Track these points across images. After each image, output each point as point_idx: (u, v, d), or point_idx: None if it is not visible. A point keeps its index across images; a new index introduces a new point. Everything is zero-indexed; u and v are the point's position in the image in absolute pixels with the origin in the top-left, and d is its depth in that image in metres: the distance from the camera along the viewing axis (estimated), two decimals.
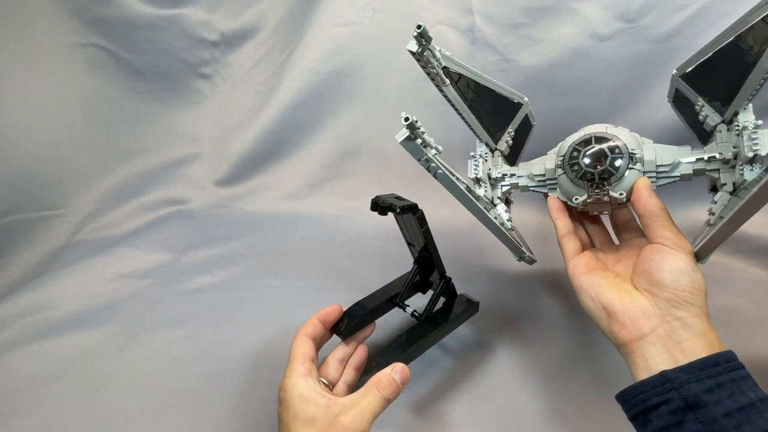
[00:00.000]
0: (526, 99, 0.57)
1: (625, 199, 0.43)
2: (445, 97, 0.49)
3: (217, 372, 0.56)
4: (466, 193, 0.45)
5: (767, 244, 0.68)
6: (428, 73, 0.46)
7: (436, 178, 0.42)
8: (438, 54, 0.45)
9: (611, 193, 0.43)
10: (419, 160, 0.40)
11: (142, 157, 0.99)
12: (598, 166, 0.43)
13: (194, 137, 1.02)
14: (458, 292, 0.56)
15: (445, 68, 0.47)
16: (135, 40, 0.95)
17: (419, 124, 0.38)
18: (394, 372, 0.40)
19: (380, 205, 0.44)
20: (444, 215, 0.90)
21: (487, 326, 0.60)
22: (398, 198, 0.46)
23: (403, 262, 0.67)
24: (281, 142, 0.99)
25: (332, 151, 0.98)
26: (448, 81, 0.48)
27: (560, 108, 0.81)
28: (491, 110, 0.54)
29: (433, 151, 0.41)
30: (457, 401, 0.50)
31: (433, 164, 0.41)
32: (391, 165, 0.95)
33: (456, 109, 0.51)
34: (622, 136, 0.44)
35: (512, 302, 0.65)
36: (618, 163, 0.43)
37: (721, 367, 0.32)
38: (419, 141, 0.38)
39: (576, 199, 0.45)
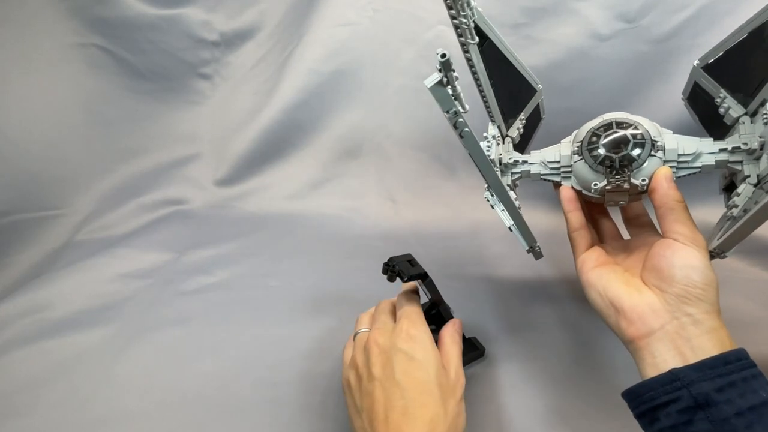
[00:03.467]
0: (540, 86, 0.55)
1: (646, 187, 0.41)
2: (468, 59, 0.45)
3: (217, 372, 0.56)
4: (489, 161, 0.42)
5: (767, 244, 0.68)
6: (457, 25, 0.41)
7: (461, 137, 0.39)
8: (474, 3, 0.42)
9: (632, 180, 0.41)
10: (447, 112, 0.36)
11: (142, 157, 0.99)
12: (619, 152, 0.42)
13: (194, 137, 1.02)
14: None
15: (475, 27, 0.44)
16: (135, 40, 0.95)
17: (455, 68, 0.34)
18: (455, 327, 0.47)
19: (390, 271, 0.47)
20: (444, 215, 0.90)
21: (487, 328, 0.60)
22: (411, 263, 0.48)
23: None
24: (281, 142, 0.99)
25: (332, 151, 0.98)
26: (477, 39, 0.44)
27: (560, 108, 0.81)
28: (508, 90, 0.52)
29: (461, 108, 0.37)
30: None
31: (461, 120, 0.37)
32: (391, 165, 0.95)
33: (475, 77, 0.48)
34: (643, 123, 0.43)
35: (513, 303, 0.65)
36: (639, 149, 0.41)
37: (732, 366, 0.32)
38: (450, 91, 0.35)
39: (595, 185, 0.43)
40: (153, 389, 0.54)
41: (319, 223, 0.90)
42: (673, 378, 0.33)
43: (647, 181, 0.41)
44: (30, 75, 0.89)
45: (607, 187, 0.43)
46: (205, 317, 0.66)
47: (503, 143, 0.53)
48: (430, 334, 0.42)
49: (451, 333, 0.45)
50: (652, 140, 0.41)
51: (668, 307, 0.36)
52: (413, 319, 0.43)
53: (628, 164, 0.41)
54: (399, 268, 0.47)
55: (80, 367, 0.58)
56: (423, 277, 0.48)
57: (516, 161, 0.52)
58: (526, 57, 0.82)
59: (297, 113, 0.97)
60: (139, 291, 0.72)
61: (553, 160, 0.49)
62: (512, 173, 0.52)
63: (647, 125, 0.43)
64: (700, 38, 0.72)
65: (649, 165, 0.41)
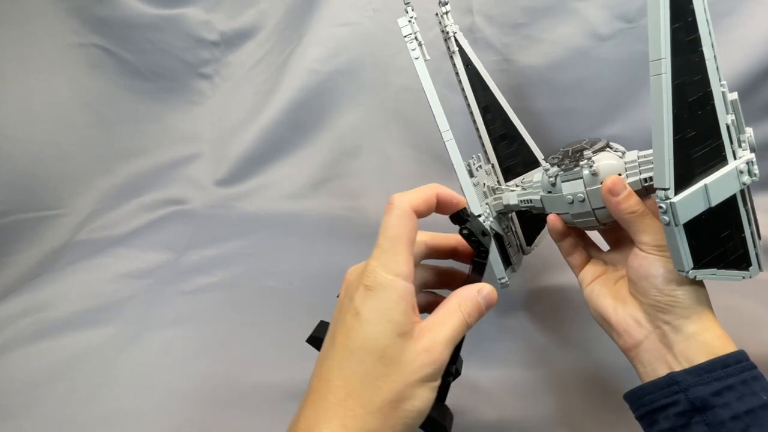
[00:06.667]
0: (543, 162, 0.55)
1: (599, 183, 0.38)
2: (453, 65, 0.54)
3: (217, 372, 0.56)
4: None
5: (767, 244, 0.68)
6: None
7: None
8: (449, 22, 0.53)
9: (582, 166, 0.39)
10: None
11: (142, 157, 0.99)
12: (572, 149, 0.42)
13: (194, 137, 1.02)
14: None
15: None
16: (135, 40, 0.95)
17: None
18: (480, 294, 0.32)
19: (461, 219, 0.37)
20: (444, 215, 0.90)
21: (488, 329, 0.60)
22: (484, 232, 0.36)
23: None
24: (281, 142, 0.99)
25: (332, 151, 0.98)
26: (456, 48, 0.52)
27: (560, 108, 0.81)
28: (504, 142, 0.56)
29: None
30: (455, 404, 0.50)
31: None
32: (391, 165, 0.95)
33: (461, 87, 0.54)
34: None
35: (515, 304, 0.65)
36: (592, 145, 0.41)
37: (731, 369, 0.32)
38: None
39: (546, 169, 0.42)
40: (153, 389, 0.54)
41: (319, 222, 0.90)
42: (671, 382, 0.33)
43: (596, 167, 0.39)
44: (30, 75, 0.89)
45: (559, 173, 0.41)
46: (205, 317, 0.66)
47: (490, 170, 0.56)
48: (404, 283, 0.30)
49: (463, 300, 0.32)
50: (608, 144, 0.41)
51: (648, 317, 0.36)
52: (387, 251, 0.32)
53: (580, 151, 0.40)
54: (471, 225, 0.36)
55: (80, 367, 0.58)
56: (482, 252, 0.36)
57: (495, 189, 0.53)
58: (526, 57, 0.83)
59: (297, 113, 0.97)
60: (139, 291, 0.72)
61: (524, 198, 0.49)
62: (494, 199, 0.53)
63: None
64: None
65: (603, 159, 0.39)
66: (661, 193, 0.32)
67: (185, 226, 0.91)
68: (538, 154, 0.57)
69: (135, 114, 0.98)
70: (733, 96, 0.33)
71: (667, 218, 0.32)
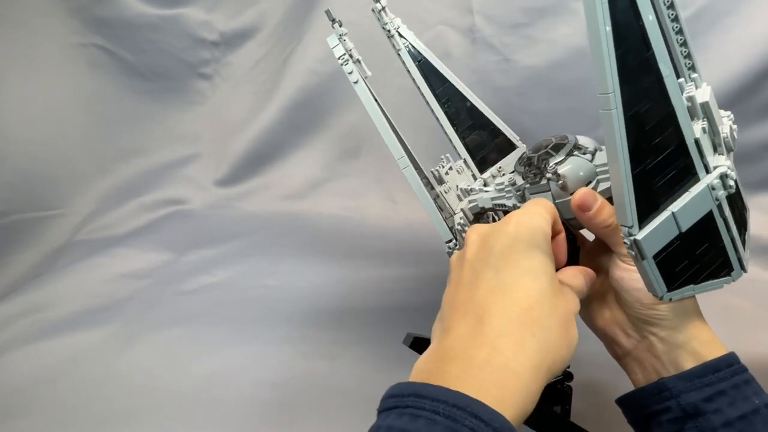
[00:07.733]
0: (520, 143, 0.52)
1: (569, 195, 0.36)
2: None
3: (216, 372, 0.56)
4: (388, 124, 0.43)
5: (767, 244, 0.68)
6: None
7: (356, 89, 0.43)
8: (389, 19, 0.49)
9: (548, 177, 0.36)
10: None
11: (142, 157, 0.99)
12: (539, 151, 0.38)
13: (194, 137, 1.02)
14: None
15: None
16: (135, 40, 0.95)
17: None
18: (587, 273, 0.34)
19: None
20: None
21: None
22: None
23: (403, 263, 0.67)
24: (281, 142, 0.99)
25: (332, 151, 0.98)
26: (401, 46, 0.49)
27: (560, 108, 0.81)
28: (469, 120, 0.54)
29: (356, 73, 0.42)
30: None
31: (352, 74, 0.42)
32: (392, 165, 0.95)
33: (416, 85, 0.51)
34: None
35: None
36: (559, 149, 0.37)
37: (722, 373, 0.31)
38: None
39: (513, 183, 0.40)
40: (153, 389, 0.54)
41: (319, 223, 0.90)
42: (662, 388, 0.33)
43: (563, 181, 0.36)
44: (30, 75, 0.89)
45: (526, 186, 0.39)
46: (205, 317, 0.66)
47: (463, 168, 0.53)
48: (549, 233, 0.31)
49: (576, 272, 0.34)
50: (576, 144, 0.37)
51: (634, 327, 0.35)
52: (529, 210, 0.32)
53: (545, 159, 0.37)
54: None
55: (80, 367, 0.58)
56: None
57: (471, 190, 0.49)
58: (526, 57, 0.83)
59: (297, 113, 0.97)
60: (139, 291, 0.72)
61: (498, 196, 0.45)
62: (470, 202, 0.48)
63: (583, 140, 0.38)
64: (700, 38, 0.72)
65: (571, 165, 0.36)
66: (624, 230, 0.30)
67: (185, 226, 0.91)
68: (512, 136, 0.54)
69: (135, 114, 0.99)
70: (704, 97, 0.30)
71: (633, 252, 0.30)
